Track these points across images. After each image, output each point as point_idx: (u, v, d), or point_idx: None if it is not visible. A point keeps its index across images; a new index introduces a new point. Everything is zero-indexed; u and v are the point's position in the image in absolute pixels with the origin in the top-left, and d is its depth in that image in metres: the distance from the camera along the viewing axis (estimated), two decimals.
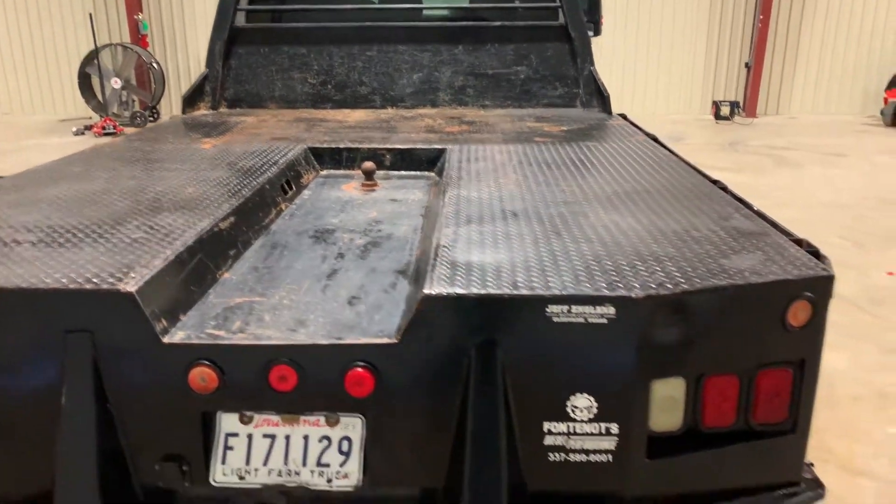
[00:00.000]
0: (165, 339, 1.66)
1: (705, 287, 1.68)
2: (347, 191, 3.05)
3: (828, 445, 3.26)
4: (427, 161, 3.29)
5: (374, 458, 1.73)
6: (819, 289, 1.75)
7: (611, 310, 1.63)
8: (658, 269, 1.76)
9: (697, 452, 1.79)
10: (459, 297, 1.63)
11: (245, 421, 1.74)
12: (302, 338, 1.70)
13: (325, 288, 1.99)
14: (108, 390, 1.68)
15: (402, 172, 3.34)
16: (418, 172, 3.33)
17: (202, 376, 1.66)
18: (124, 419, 1.70)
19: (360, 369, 1.65)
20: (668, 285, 1.67)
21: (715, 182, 2.62)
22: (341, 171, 3.33)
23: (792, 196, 7.14)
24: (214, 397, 1.68)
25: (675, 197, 2.37)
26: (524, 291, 1.63)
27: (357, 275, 2.08)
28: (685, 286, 1.67)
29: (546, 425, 1.70)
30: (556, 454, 1.72)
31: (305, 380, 1.67)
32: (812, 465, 1.98)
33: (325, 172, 3.34)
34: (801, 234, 2.01)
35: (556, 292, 1.63)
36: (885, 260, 5.49)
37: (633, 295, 1.63)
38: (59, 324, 1.64)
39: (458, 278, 1.69)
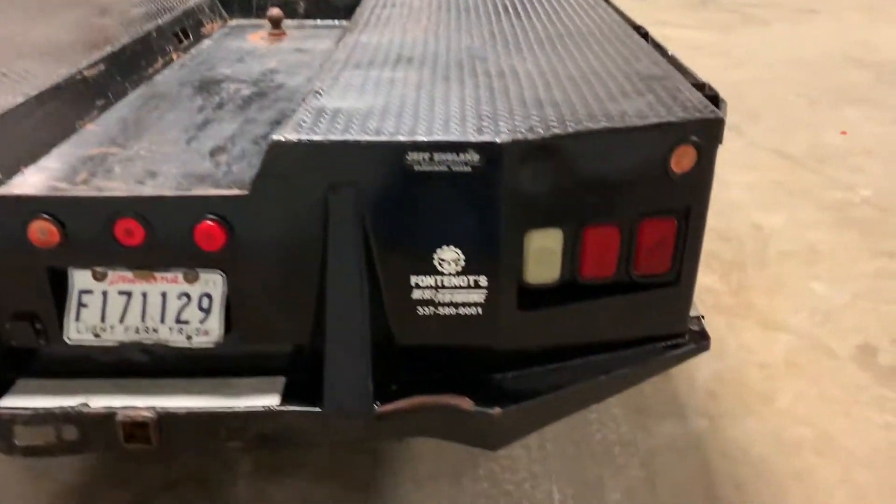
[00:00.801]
0: (0, 191, 1.54)
1: (578, 131, 1.57)
2: (252, 41, 2.85)
3: (750, 301, 3.27)
4: (344, 8, 3.07)
5: (236, 315, 1.66)
6: (706, 133, 1.65)
7: (475, 157, 1.52)
8: (536, 114, 1.63)
9: (574, 304, 1.74)
10: (311, 144, 1.51)
11: (98, 277, 1.65)
12: (148, 190, 1.58)
13: (190, 140, 1.86)
14: None
15: (317, 21, 3.12)
16: (334, 21, 3.12)
17: (41, 230, 1.55)
18: None
19: (209, 222, 1.55)
20: (539, 130, 1.56)
21: (637, 28, 2.46)
22: (250, 21, 3.11)
23: (754, 54, 6.89)
24: (59, 252, 1.58)
25: (586, 42, 2.21)
26: (383, 137, 1.51)
27: (230, 126, 1.94)
28: (556, 130, 1.56)
29: (413, 279, 1.63)
30: (425, 308, 1.66)
31: (154, 234, 1.57)
32: (702, 317, 1.95)
33: (233, 22, 3.11)
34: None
35: (416, 138, 1.51)
36: (839, 118, 5.37)
37: (498, 140, 1.52)
38: None
39: (320, 124, 1.56)
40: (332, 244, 1.56)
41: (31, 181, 1.62)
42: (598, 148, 1.60)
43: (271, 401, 1.64)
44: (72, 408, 1.62)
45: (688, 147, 1.65)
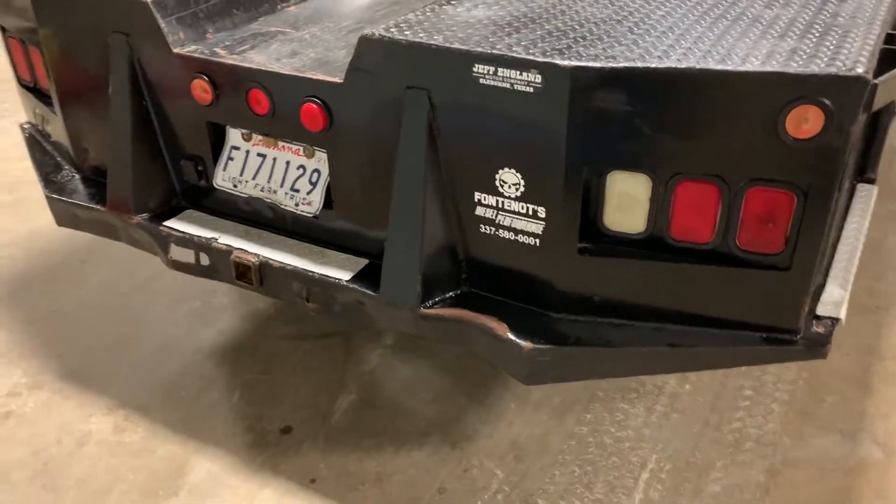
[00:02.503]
0: (176, 50, 1.87)
1: (657, 68, 1.38)
2: None
3: None
4: None
5: (335, 193, 1.83)
6: (839, 95, 1.33)
7: (537, 77, 1.44)
8: (626, 41, 1.48)
9: (653, 262, 1.58)
10: (391, 42, 1.56)
11: (245, 138, 1.94)
12: (277, 66, 1.79)
13: (353, 31, 2.01)
14: (143, 89, 1.97)
15: None
16: None
17: (201, 88, 1.86)
18: (160, 117, 1.99)
19: (311, 104, 1.71)
20: (615, 60, 1.41)
21: None
22: None
23: None
24: (214, 110, 1.88)
25: None
26: (454, 45, 1.50)
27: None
28: (632, 63, 1.39)
29: (476, 195, 1.63)
30: (487, 227, 1.65)
31: (275, 107, 1.78)
32: (837, 320, 1.63)
33: None
34: None
35: (482, 50, 1.48)
36: None
37: (561, 63, 1.41)
38: (102, 24, 1.93)
39: (413, 27, 1.60)
40: (402, 144, 1.62)
41: (207, 45, 1.92)
42: (687, 91, 1.40)
43: (342, 275, 1.80)
44: (206, 239, 1.96)
45: (809, 108, 1.35)
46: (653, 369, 1.78)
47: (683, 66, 1.38)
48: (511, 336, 1.62)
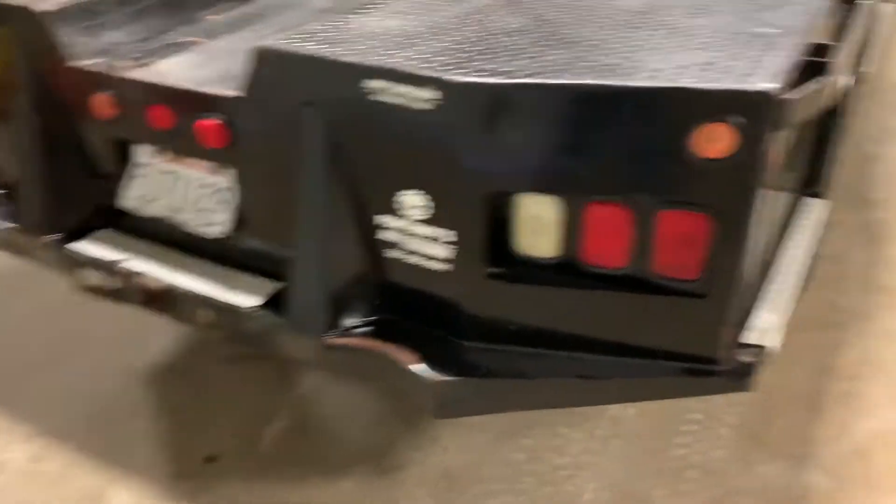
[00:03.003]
0: (72, 63, 1.77)
1: (553, 84, 1.28)
2: None
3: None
4: None
5: (243, 213, 1.73)
6: (752, 112, 1.24)
7: (433, 94, 1.34)
8: (530, 54, 1.38)
9: (565, 288, 1.48)
10: (283, 55, 1.47)
11: (152, 155, 1.84)
12: (178, 80, 1.69)
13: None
14: (47, 104, 1.87)
15: None
16: None
17: (101, 103, 1.76)
18: (66, 133, 1.89)
19: (210, 119, 1.61)
20: (515, 74, 1.31)
21: None
22: None
23: None
24: (116, 126, 1.78)
25: None
26: (344, 58, 1.41)
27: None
28: (531, 79, 1.30)
29: (377, 218, 1.53)
30: (392, 251, 1.55)
31: (177, 123, 1.68)
32: (764, 348, 1.53)
33: None
34: None
35: (373, 64, 1.38)
36: None
37: (460, 80, 1.31)
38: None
39: (314, 37, 1.51)
40: (302, 163, 1.52)
41: (110, 57, 1.82)
42: (587, 108, 1.30)
43: (251, 301, 1.70)
44: (114, 262, 1.86)
45: (718, 126, 1.25)
46: (568, 402, 1.68)
47: (582, 82, 1.28)
48: (419, 368, 1.52)
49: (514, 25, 1.54)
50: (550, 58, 1.38)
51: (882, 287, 2.71)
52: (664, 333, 1.48)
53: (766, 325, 1.58)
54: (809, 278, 1.95)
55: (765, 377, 2.31)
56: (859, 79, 2.83)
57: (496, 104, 1.32)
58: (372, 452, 2.15)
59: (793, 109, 1.26)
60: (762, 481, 2.03)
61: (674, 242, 1.40)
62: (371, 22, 1.59)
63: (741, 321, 1.55)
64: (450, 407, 1.55)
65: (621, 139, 1.32)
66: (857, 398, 2.26)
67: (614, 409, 2.25)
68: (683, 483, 2.03)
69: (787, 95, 1.24)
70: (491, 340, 1.56)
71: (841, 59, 1.42)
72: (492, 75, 1.32)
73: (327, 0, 2.21)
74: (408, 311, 1.62)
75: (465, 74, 1.32)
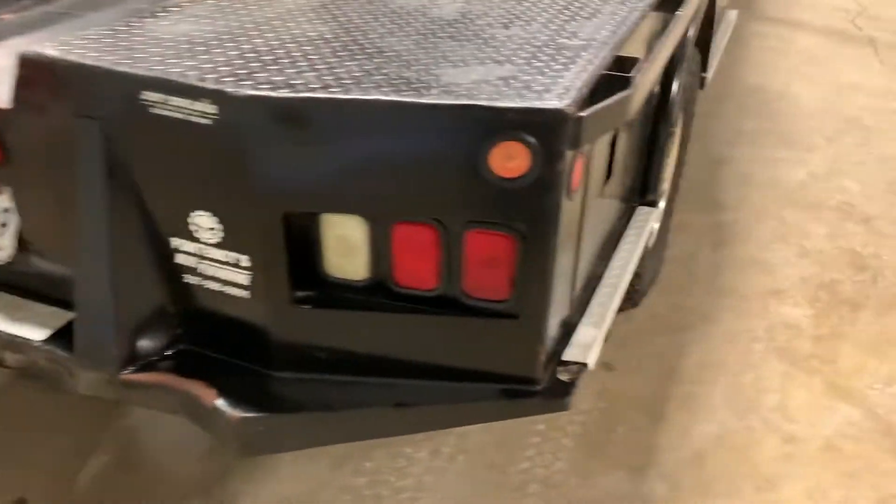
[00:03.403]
0: None
1: (338, 98, 1.20)
2: None
3: (834, 355, 2.53)
4: None
5: (26, 235, 1.56)
6: (544, 130, 1.19)
7: (211, 107, 1.23)
8: (324, 65, 1.29)
9: (374, 311, 1.40)
10: (52, 62, 1.32)
11: None
12: None
13: None
14: None
15: None
16: None
17: None
18: None
19: None
20: (298, 88, 1.21)
21: None
22: None
23: None
24: None
25: None
26: (119, 68, 1.27)
27: None
28: (311, 93, 1.20)
29: (173, 241, 1.40)
30: (191, 277, 1.43)
31: None
32: (584, 366, 1.49)
33: None
34: None
35: (149, 74, 1.25)
36: None
37: (236, 93, 1.21)
38: None
39: (94, 43, 1.36)
40: (79, 183, 1.37)
41: None
42: (376, 125, 1.22)
43: (37, 334, 1.54)
44: None
45: (512, 145, 1.20)
46: (386, 432, 1.60)
47: (369, 98, 1.20)
48: (218, 404, 1.40)
49: (315, 33, 1.44)
50: (346, 69, 1.29)
51: (727, 289, 2.78)
52: (481, 356, 1.43)
53: (586, 341, 1.55)
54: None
55: (608, 384, 2.34)
56: (700, 84, 2.91)
57: (276, 119, 1.22)
58: (202, 486, 2.01)
59: (588, 126, 1.22)
60: (602, 492, 2.02)
61: (482, 263, 1.34)
62: (162, 27, 1.46)
63: (563, 338, 1.51)
64: (256, 445, 1.45)
65: (419, 157, 1.25)
66: (697, 402, 2.30)
67: None
68: (525, 498, 2.00)
69: (581, 113, 1.20)
70: (302, 370, 1.46)
71: (648, 72, 1.40)
72: (274, 88, 1.21)
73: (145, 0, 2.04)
74: (212, 341, 1.50)
75: (245, 87, 1.22)
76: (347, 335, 1.43)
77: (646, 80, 1.37)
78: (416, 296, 1.40)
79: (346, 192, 1.30)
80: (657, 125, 2.02)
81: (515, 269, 1.33)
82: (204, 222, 1.36)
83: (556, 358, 1.50)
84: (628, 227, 1.97)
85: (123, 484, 2.02)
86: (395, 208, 1.32)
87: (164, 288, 1.46)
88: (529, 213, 1.27)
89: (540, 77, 1.27)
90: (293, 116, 1.21)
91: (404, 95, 1.20)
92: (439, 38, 1.44)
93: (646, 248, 2.40)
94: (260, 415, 1.39)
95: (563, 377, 1.47)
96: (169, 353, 1.50)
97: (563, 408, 1.46)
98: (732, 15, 3.71)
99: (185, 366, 1.47)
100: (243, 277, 1.38)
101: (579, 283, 1.58)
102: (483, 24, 1.51)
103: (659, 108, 2.02)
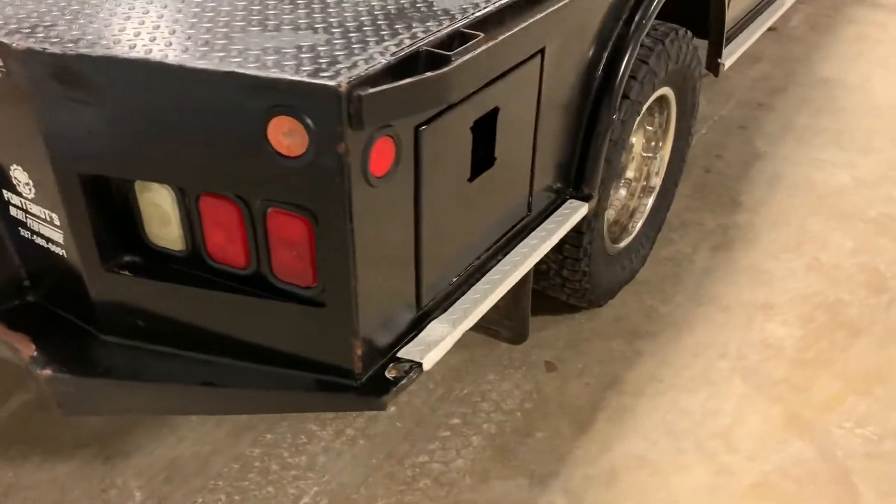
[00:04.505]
0: None
1: (118, 57, 1.14)
2: None
3: (799, 385, 2.26)
4: None
5: None
6: (317, 108, 1.08)
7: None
8: (117, 21, 1.23)
9: (188, 285, 1.35)
10: None
11: None
12: None
13: None
14: None
15: None
16: None
17: None
18: None
19: None
20: (79, 44, 1.16)
21: None
22: None
23: None
24: None
25: None
26: None
27: None
28: (91, 50, 1.14)
29: (4, 193, 1.40)
30: (24, 230, 1.43)
31: None
32: (417, 365, 1.39)
33: None
34: None
35: None
36: None
37: (14, 45, 1.17)
38: None
39: None
40: None
41: None
42: (159, 88, 1.15)
43: None
44: None
45: (287, 120, 1.10)
46: (192, 409, 1.57)
47: (138, 57, 1.13)
48: (32, 359, 1.40)
49: None
50: (154, 27, 1.23)
51: (711, 297, 2.54)
52: (295, 342, 1.35)
53: (432, 339, 1.44)
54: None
55: (543, 385, 2.20)
56: (715, 72, 2.65)
57: (53, 75, 1.17)
58: (104, 437, 2.04)
59: (374, 107, 1.10)
60: (494, 497, 1.90)
61: (284, 245, 1.26)
62: None
63: (408, 331, 1.41)
64: (69, 405, 1.44)
65: (207, 126, 1.17)
66: (633, 416, 2.12)
67: None
68: (411, 493, 1.91)
69: (361, 92, 1.08)
70: (125, 336, 1.44)
71: (480, 49, 1.24)
72: (57, 43, 1.17)
73: None
74: (52, 297, 1.50)
75: (30, 40, 1.18)
76: (166, 306, 1.39)
77: (477, 60, 1.22)
78: (230, 273, 1.34)
79: (138, 158, 1.24)
80: (595, 112, 1.84)
81: (317, 255, 1.24)
82: (21, 176, 1.34)
83: (391, 351, 1.41)
84: (545, 221, 1.81)
85: (35, 424, 2.08)
86: (196, 180, 1.25)
87: (10, 239, 1.46)
88: (319, 195, 1.17)
89: (341, 50, 1.16)
90: (68, 73, 1.17)
91: (179, 58, 1.12)
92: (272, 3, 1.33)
93: (603, 243, 2.23)
94: (67, 376, 1.38)
95: (390, 374, 1.38)
96: (15, 303, 1.51)
97: (381, 407, 1.37)
98: None
99: (18, 317, 1.48)
100: (59, 236, 1.37)
101: (435, 275, 1.47)
102: None
103: (598, 94, 1.83)
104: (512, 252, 1.70)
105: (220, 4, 1.31)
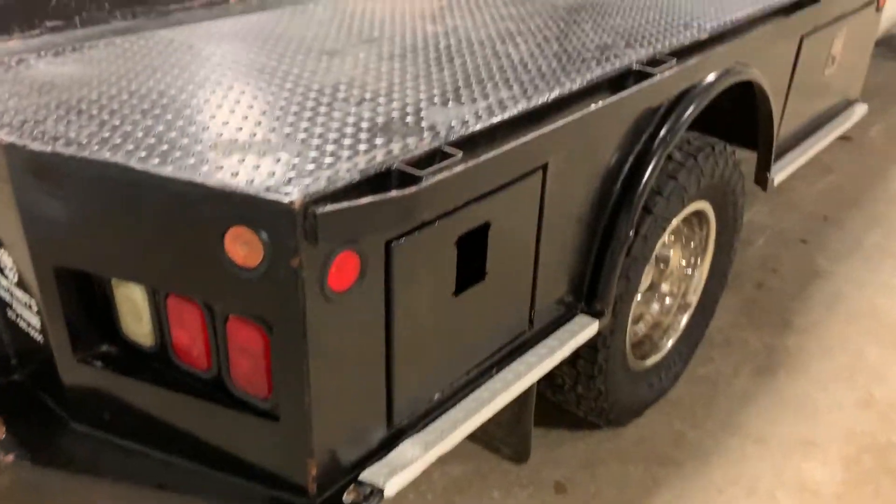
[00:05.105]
0: None
1: (82, 158, 1.15)
2: None
3: None
4: None
5: None
6: (272, 222, 1.06)
7: None
8: (120, 123, 1.25)
9: (151, 383, 1.33)
10: None
11: None
12: None
13: None
14: None
15: None
16: None
17: None
18: None
19: None
20: (58, 143, 1.18)
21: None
22: None
23: None
24: None
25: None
26: None
27: None
28: (64, 149, 1.16)
29: None
30: (10, 312, 1.44)
31: None
32: (369, 486, 1.31)
33: None
34: None
35: None
36: None
37: (3, 138, 1.20)
38: None
39: None
40: None
41: None
42: (120, 189, 1.15)
43: None
44: None
45: (243, 232, 1.08)
46: None
47: (119, 162, 1.13)
48: (0, 443, 1.39)
49: (164, 86, 1.41)
50: (139, 126, 1.24)
51: (747, 427, 2.35)
52: (252, 454, 1.30)
53: (400, 462, 1.36)
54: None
55: None
56: (763, 186, 2.54)
57: (28, 169, 1.19)
58: None
59: (332, 224, 1.07)
60: None
61: (241, 353, 1.23)
62: (40, 67, 1.50)
63: (376, 451, 1.34)
64: (28, 488, 1.41)
65: (160, 228, 1.17)
66: None
67: None
68: None
69: (320, 209, 1.05)
70: (94, 426, 1.42)
71: (456, 170, 1.20)
72: (38, 140, 1.19)
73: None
74: (35, 378, 1.50)
75: (21, 134, 1.21)
76: (132, 401, 1.37)
77: (454, 179, 1.18)
78: (194, 375, 1.31)
79: (108, 255, 1.24)
80: (611, 226, 1.76)
81: (272, 367, 1.20)
82: (6, 260, 1.36)
83: (353, 472, 1.33)
84: (549, 336, 1.72)
85: None
86: (162, 280, 1.24)
87: (1, 318, 1.49)
88: (274, 307, 1.13)
89: (311, 163, 1.14)
90: (44, 169, 1.18)
91: (147, 163, 1.13)
92: (264, 108, 1.33)
93: (625, 360, 2.11)
94: (27, 463, 1.37)
95: (347, 499, 1.30)
96: (1, 380, 1.52)
97: None
98: (859, 108, 3.21)
99: (10, 398, 1.48)
100: (37, 321, 1.37)
101: (410, 391, 1.40)
102: (344, 95, 1.40)
103: (616, 207, 1.76)
104: (507, 368, 1.61)
105: (212, 108, 1.32)
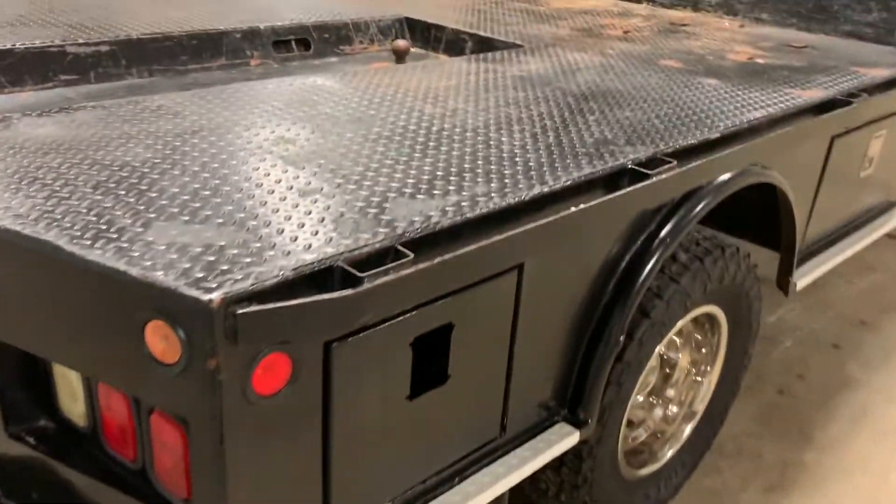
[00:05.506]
0: None
1: (23, 233, 1.10)
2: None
3: None
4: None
5: None
6: (190, 319, 0.99)
7: None
8: (75, 196, 1.21)
9: (73, 467, 1.27)
10: None
11: None
12: None
13: None
14: None
15: None
16: None
17: None
18: None
19: None
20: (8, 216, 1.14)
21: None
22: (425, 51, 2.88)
23: None
24: None
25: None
26: None
27: None
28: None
29: None
30: None
31: None
32: None
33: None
34: None
35: None
36: None
37: None
38: None
39: None
40: None
41: None
42: (55, 271, 1.10)
43: None
44: None
45: (162, 326, 1.02)
46: None
47: (47, 239, 1.08)
48: None
49: (130, 157, 1.37)
50: (75, 201, 1.19)
51: None
52: None
53: None
54: None
55: None
56: (785, 291, 2.39)
57: None
58: None
59: (255, 325, 0.99)
60: None
61: (164, 450, 1.15)
62: (19, 128, 1.48)
63: None
64: None
65: (91, 316, 1.11)
66: None
67: None
68: None
69: (241, 309, 0.98)
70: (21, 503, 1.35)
71: (403, 273, 1.12)
72: None
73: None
74: None
75: None
76: (62, 483, 1.30)
77: (401, 281, 1.10)
78: (123, 464, 1.24)
79: (36, 334, 1.19)
80: (600, 330, 1.65)
81: (191, 468, 1.12)
82: None
83: None
84: (523, 445, 1.60)
85: None
86: (90, 366, 1.18)
87: None
88: (192, 406, 1.06)
89: (249, 257, 1.07)
90: None
91: (75, 244, 1.07)
92: (224, 189, 1.28)
93: (616, 469, 1.97)
94: None
95: None
96: None
97: None
98: None
99: None
100: None
101: (351, 499, 1.29)
102: (310, 180, 1.34)
103: (606, 310, 1.65)
104: (471, 478, 1.50)
105: (171, 185, 1.27)
